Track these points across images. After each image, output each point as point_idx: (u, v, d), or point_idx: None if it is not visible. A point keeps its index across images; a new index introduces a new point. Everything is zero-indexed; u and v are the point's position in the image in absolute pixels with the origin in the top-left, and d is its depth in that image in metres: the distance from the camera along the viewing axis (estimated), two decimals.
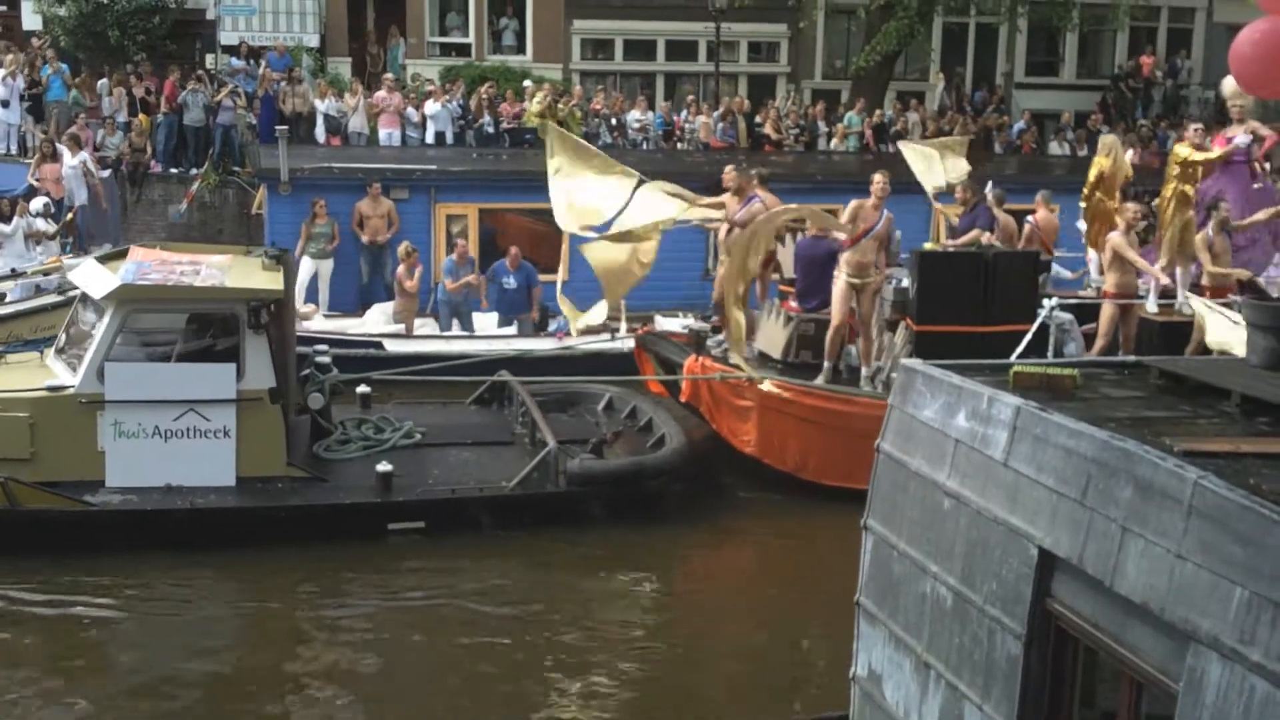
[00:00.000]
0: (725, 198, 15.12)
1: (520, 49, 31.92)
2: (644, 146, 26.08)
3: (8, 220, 18.73)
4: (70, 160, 20.98)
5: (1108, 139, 16.85)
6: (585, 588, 11.72)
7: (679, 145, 26.51)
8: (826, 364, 13.91)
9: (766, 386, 13.75)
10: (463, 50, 31.61)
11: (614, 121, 26.71)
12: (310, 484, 12.35)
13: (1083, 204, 15.76)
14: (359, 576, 11.62)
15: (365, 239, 19.23)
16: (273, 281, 12.55)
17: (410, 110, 25.26)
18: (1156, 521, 4.30)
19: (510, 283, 18.16)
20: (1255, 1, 7.02)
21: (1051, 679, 4.98)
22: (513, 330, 18.03)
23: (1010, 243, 15.37)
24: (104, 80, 25.44)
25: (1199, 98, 33.20)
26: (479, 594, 11.29)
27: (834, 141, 26.63)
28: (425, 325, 18.34)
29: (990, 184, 16.25)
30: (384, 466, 12.25)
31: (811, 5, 31.97)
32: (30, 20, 29.12)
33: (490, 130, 25.55)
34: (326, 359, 13.48)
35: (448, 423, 14.16)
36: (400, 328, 18.04)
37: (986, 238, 14.60)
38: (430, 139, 25.10)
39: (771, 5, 31.78)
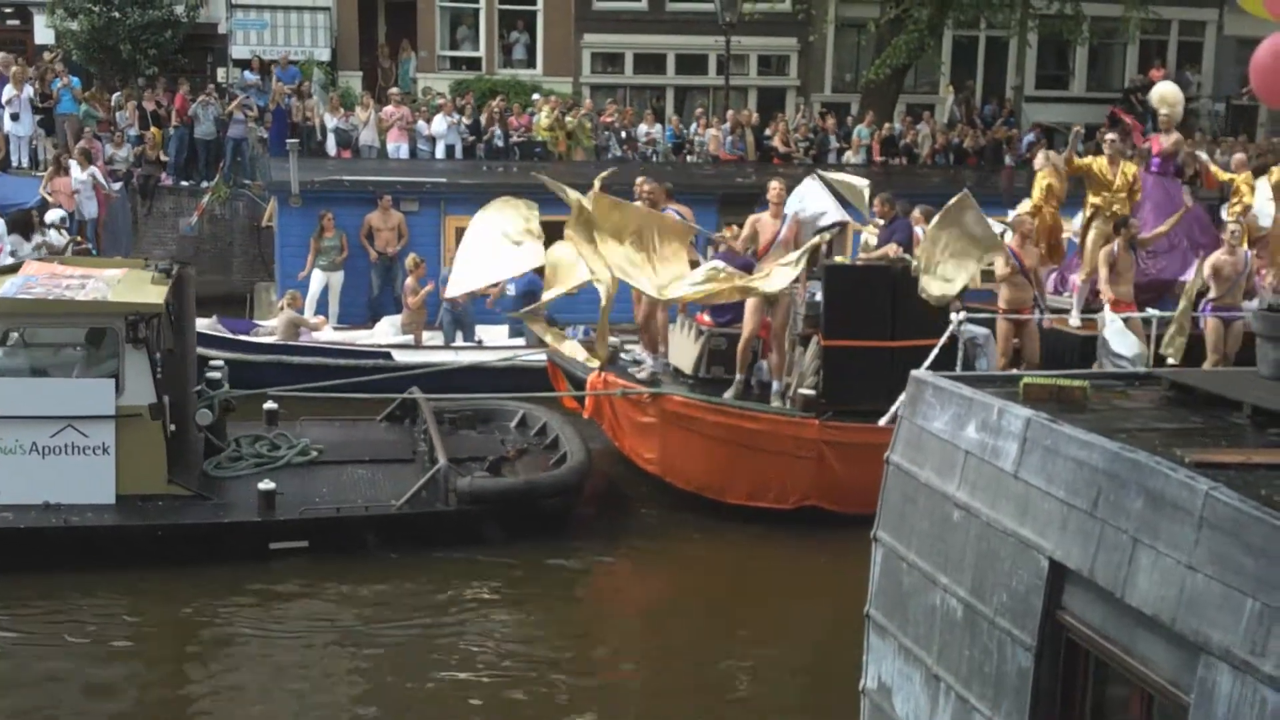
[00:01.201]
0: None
1: (531, 63, 31.98)
2: (653, 159, 26.11)
3: (27, 236, 18.75)
4: (79, 174, 21.03)
5: (1052, 155, 16.87)
6: (472, 608, 11.43)
7: (688, 158, 26.54)
8: (736, 379, 13.49)
9: (674, 393, 13.44)
10: (473, 64, 31.69)
11: (624, 134, 26.77)
12: (192, 502, 11.95)
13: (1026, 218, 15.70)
14: (239, 597, 11.22)
15: (375, 251, 19.26)
16: (155, 295, 12.11)
17: (421, 124, 25.33)
18: (1167, 533, 4.29)
19: (511, 290, 18.16)
20: (1267, 10, 7.00)
21: (1062, 691, 4.96)
22: (523, 341, 18.02)
23: None
24: (117, 94, 25.53)
25: (1209, 110, 33.18)
26: (360, 615, 10.98)
27: (847, 155, 26.62)
28: (435, 337, 18.35)
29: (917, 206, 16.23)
30: (266, 485, 11.88)
31: (821, 19, 32.00)
32: (42, 34, 29.21)
33: (500, 144, 25.60)
34: (218, 374, 13.20)
35: (349, 440, 13.85)
36: (409, 339, 18.06)
37: (894, 250, 14.16)
38: (440, 153, 25.16)
39: (781, 19, 31.83)
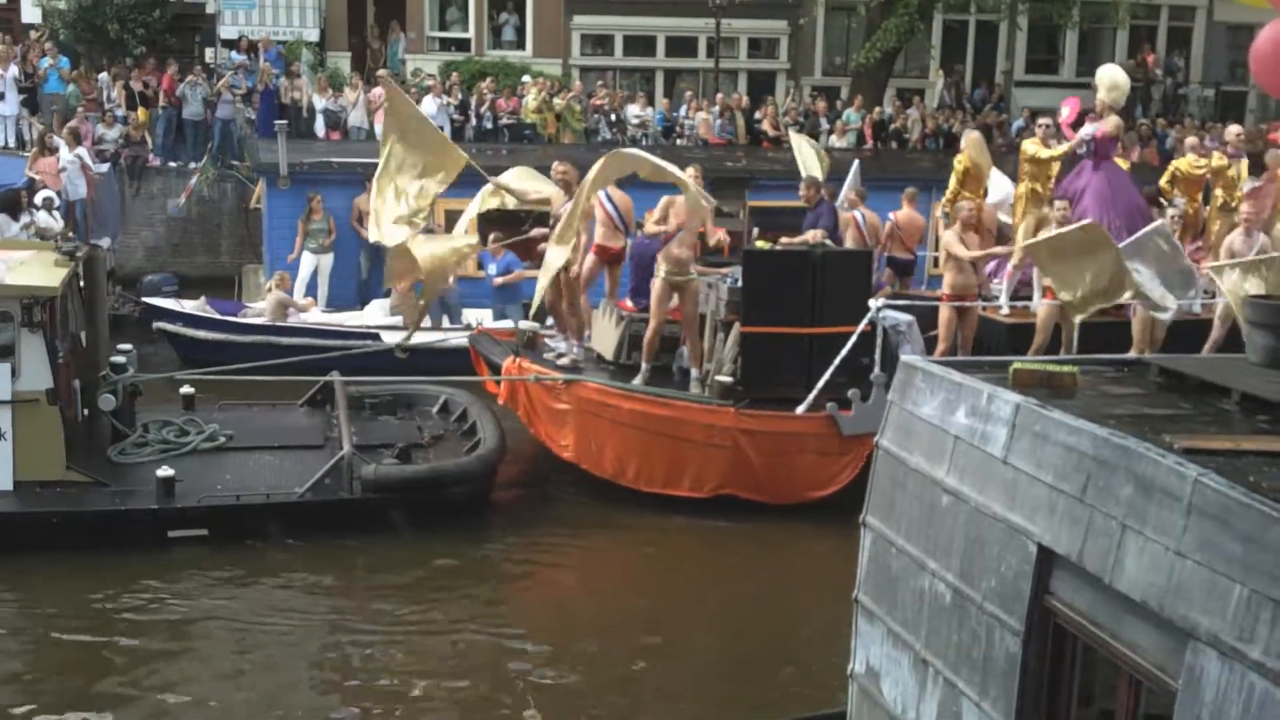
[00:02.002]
0: (553, 193, 14.24)
1: (520, 44, 31.94)
2: (643, 142, 26.06)
3: (15, 216, 18.67)
4: (67, 155, 20.96)
5: (972, 135, 16.85)
6: (374, 596, 11.17)
7: (678, 141, 26.50)
8: (644, 365, 13.30)
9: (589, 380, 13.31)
10: (462, 45, 31.64)
11: (613, 117, 26.73)
12: (91, 489, 11.73)
13: (946, 204, 15.69)
14: (134, 586, 10.95)
15: (365, 234, 19.21)
16: (53, 279, 11.83)
17: None
18: (1156, 519, 4.29)
19: (490, 270, 18.18)
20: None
21: (1050, 676, 4.97)
22: (508, 323, 17.96)
23: (866, 242, 15.18)
24: (104, 74, 25.42)
25: (1198, 96, 33.22)
26: (258, 604, 10.77)
27: (833, 138, 26.61)
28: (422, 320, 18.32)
29: (850, 182, 16.21)
30: (165, 471, 11.67)
31: (812, 2, 32.04)
32: (30, 13, 29.11)
33: (489, 126, 25.55)
34: (122, 359, 12.95)
35: (263, 425, 13.67)
36: (398, 320, 18.04)
37: (816, 235, 14.13)
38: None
39: (772, 2, 31.84)
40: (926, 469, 5.70)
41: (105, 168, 22.68)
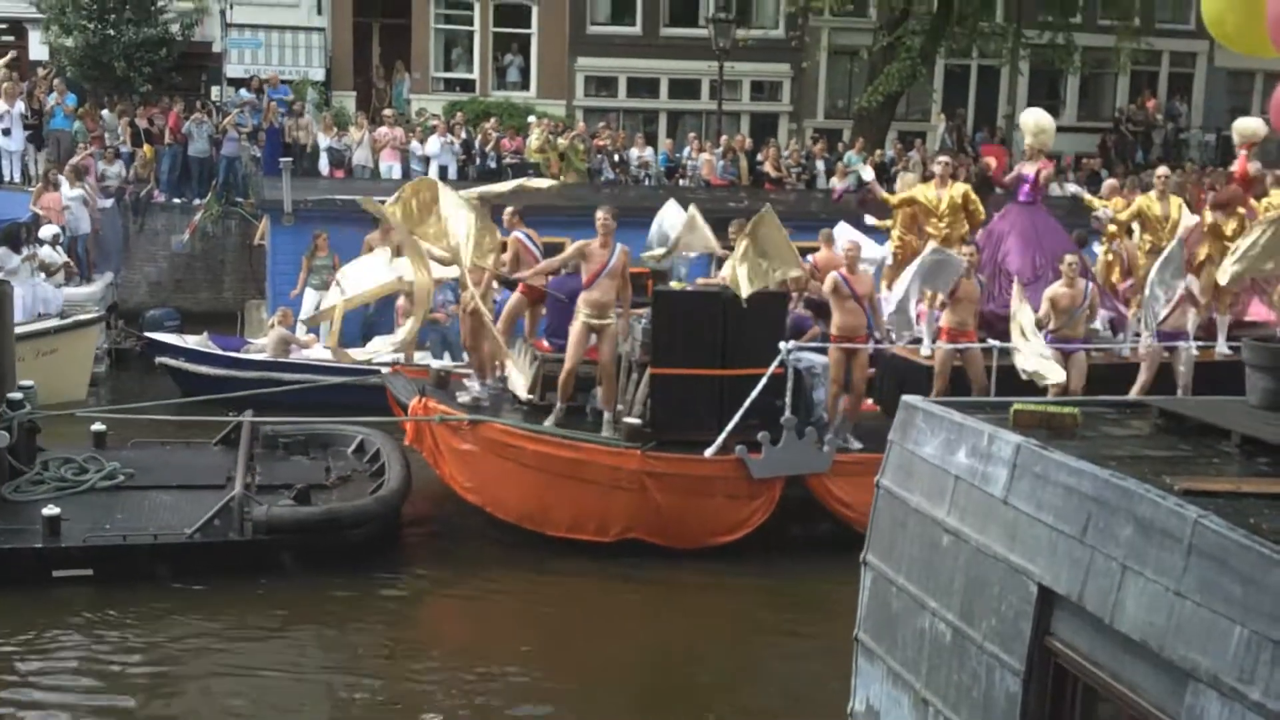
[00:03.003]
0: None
1: (524, 85, 32.07)
2: (646, 183, 26.17)
3: (16, 249, 18.73)
4: (69, 191, 21.06)
5: (909, 178, 16.82)
6: (254, 643, 10.71)
7: (681, 182, 26.60)
8: (558, 405, 12.95)
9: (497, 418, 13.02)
10: (467, 85, 31.78)
11: (616, 158, 26.84)
12: None
13: (894, 242, 15.62)
14: (18, 626, 10.59)
15: None
16: None
17: (414, 144, 25.39)
18: (1156, 560, 4.31)
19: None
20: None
21: (1050, 717, 4.97)
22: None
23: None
24: (106, 110, 25.56)
25: (1199, 141, 33.34)
26: (135, 647, 10.42)
27: (834, 180, 26.71)
28: (425, 356, 18.33)
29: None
30: (51, 510, 11.36)
31: (815, 46, 32.17)
32: (37, 50, 29.28)
33: (492, 165, 25.66)
34: (19, 395, 12.69)
35: (169, 464, 13.35)
36: (400, 358, 18.03)
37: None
38: (433, 173, 25.19)
39: (775, 46, 31.98)
40: (927, 509, 5.71)
41: (109, 203, 22.77)
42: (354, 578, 11.91)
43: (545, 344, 14.10)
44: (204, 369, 17.67)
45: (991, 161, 16.81)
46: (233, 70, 29.69)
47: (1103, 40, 30.71)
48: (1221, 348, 14.68)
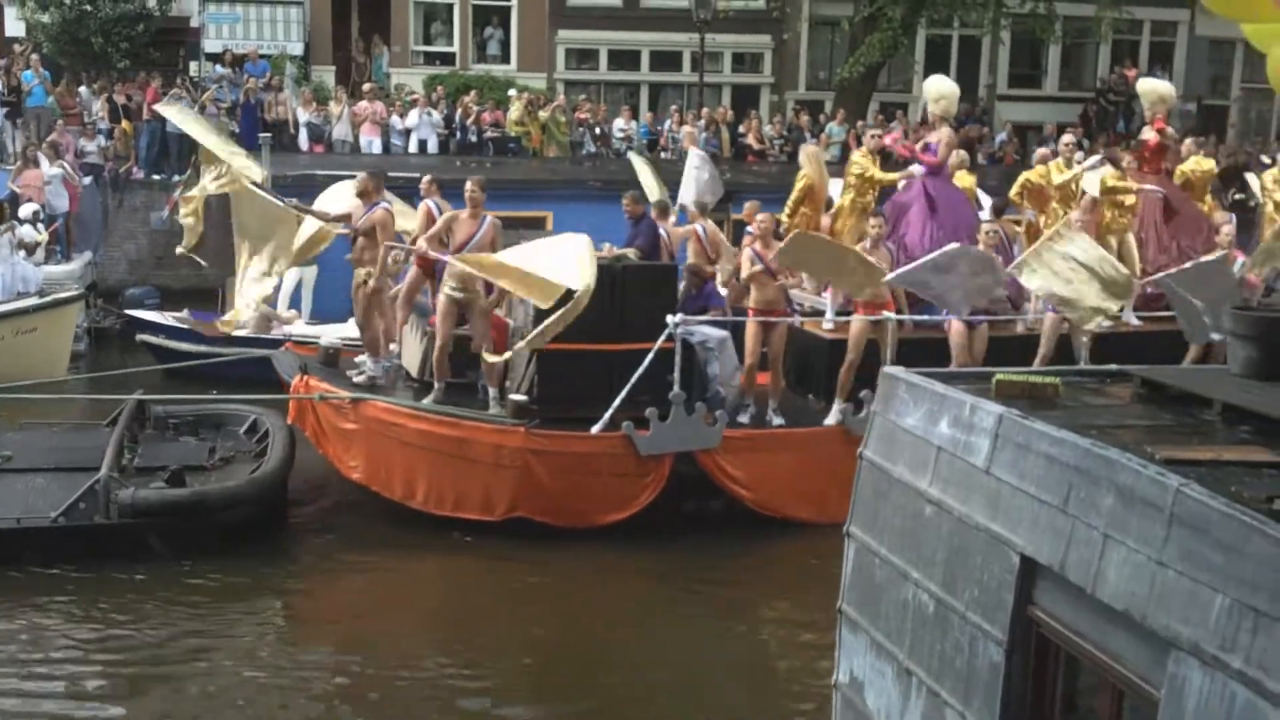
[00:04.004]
0: (352, 205, 13.75)
1: (505, 58, 31.95)
2: (628, 156, 26.09)
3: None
4: (49, 168, 20.92)
5: (810, 149, 16.72)
6: (118, 628, 10.37)
7: (663, 155, 26.54)
8: (436, 383, 12.69)
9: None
10: (447, 59, 31.64)
11: (598, 131, 26.76)
12: None
13: (786, 219, 15.28)
14: None
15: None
16: None
17: (394, 118, 25.28)
18: (1138, 529, 4.31)
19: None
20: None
21: (1033, 686, 4.98)
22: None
23: (709, 255, 14.48)
24: (83, 87, 25.39)
25: (1180, 110, 33.34)
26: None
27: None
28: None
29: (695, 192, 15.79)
30: None
31: (795, 17, 32.09)
32: (13, 27, 29.05)
33: (474, 139, 25.57)
34: None
35: (51, 446, 13.02)
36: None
37: (608, 250, 13.35)
38: (413, 147, 25.11)
39: (755, 17, 31.91)
40: (910, 480, 5.71)
41: (88, 181, 22.64)
42: (230, 561, 11.59)
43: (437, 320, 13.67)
44: (185, 346, 17.60)
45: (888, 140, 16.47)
46: (211, 45, 29.53)
47: (1083, 9, 30.65)
48: (1129, 318, 14.57)
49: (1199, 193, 16.63)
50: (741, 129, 27.35)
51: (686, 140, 16.34)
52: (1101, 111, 31.68)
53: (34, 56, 25.41)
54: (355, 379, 13.35)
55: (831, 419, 13.05)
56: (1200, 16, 33.00)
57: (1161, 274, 13.38)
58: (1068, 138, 16.62)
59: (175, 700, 9.33)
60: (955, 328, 13.12)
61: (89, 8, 27.18)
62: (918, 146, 15.59)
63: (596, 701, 9.59)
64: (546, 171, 19.76)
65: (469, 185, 12.81)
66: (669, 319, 12.18)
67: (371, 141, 24.79)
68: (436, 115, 25.66)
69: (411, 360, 13.74)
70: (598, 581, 11.69)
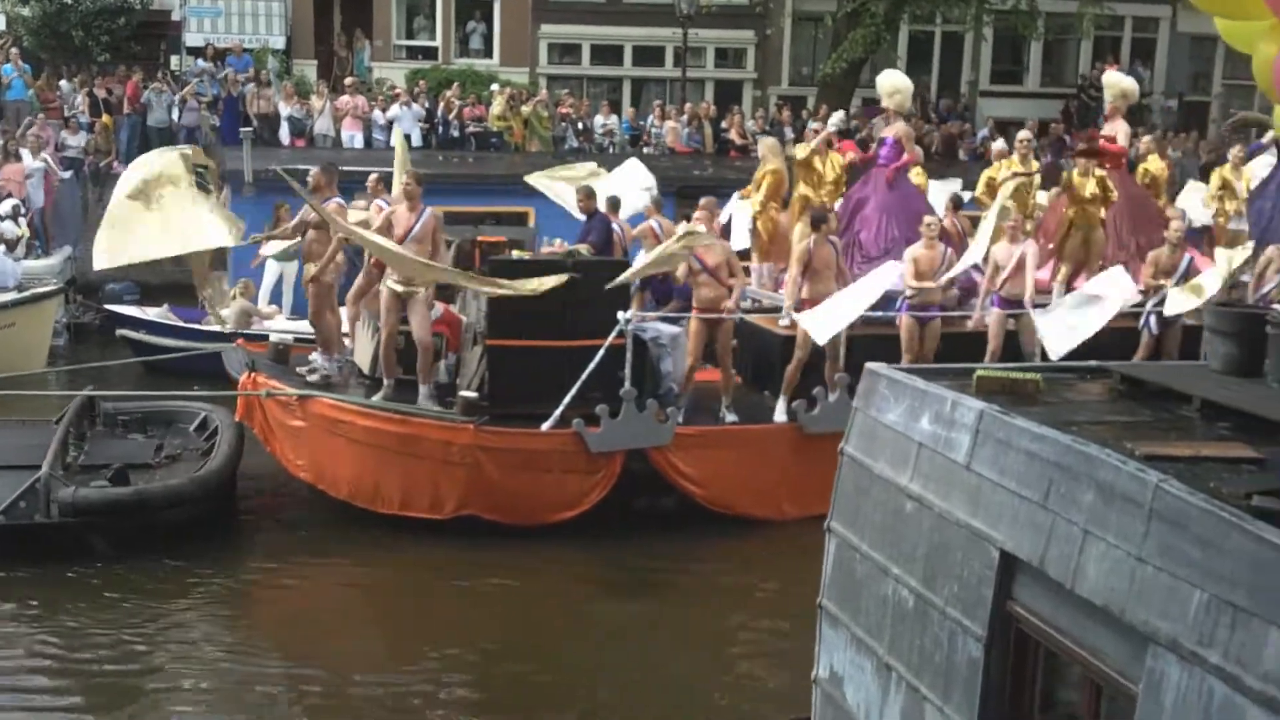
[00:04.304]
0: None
1: (487, 53, 31.91)
2: (610, 151, 26.11)
3: None
4: (31, 161, 20.82)
5: (769, 142, 16.66)
6: (59, 629, 10.25)
7: (645, 150, 26.53)
8: (385, 380, 12.56)
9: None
10: (430, 53, 31.59)
11: (580, 126, 26.74)
12: None
13: (755, 212, 15.32)
14: None
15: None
16: None
17: (376, 113, 25.23)
18: (1117, 525, 4.31)
19: None
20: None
21: (1012, 681, 4.98)
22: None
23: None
24: (64, 81, 25.28)
25: (1161, 106, 33.46)
26: None
27: (800, 147, 26.65)
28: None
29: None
30: None
31: (779, 12, 32.13)
32: None
33: (456, 133, 25.53)
34: None
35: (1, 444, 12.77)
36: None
37: (558, 246, 13.52)
38: (395, 142, 25.04)
39: (739, 12, 31.91)
40: (890, 475, 5.71)
41: (68, 175, 22.54)
42: (176, 560, 11.48)
43: None
44: (166, 341, 17.54)
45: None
46: (192, 39, 29.46)
47: (1065, 6, 30.75)
48: None
49: (1158, 190, 16.73)
50: (724, 124, 27.35)
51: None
52: (1083, 107, 31.75)
53: (13, 50, 25.30)
54: (307, 376, 13.21)
55: (779, 416, 12.96)
56: (1182, 13, 33.12)
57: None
58: (1024, 134, 16.58)
59: (118, 701, 9.22)
60: (905, 324, 13.10)
61: (69, 1, 27.06)
62: (875, 144, 15.52)
63: (552, 703, 9.49)
64: (529, 166, 19.67)
65: (404, 178, 12.77)
66: (620, 315, 12.11)
67: (353, 136, 24.74)
68: (417, 108, 25.60)
69: (364, 357, 13.60)
70: (550, 580, 11.58)
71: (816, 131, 15.49)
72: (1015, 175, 15.26)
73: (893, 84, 15.67)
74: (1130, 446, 4.75)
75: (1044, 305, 13.83)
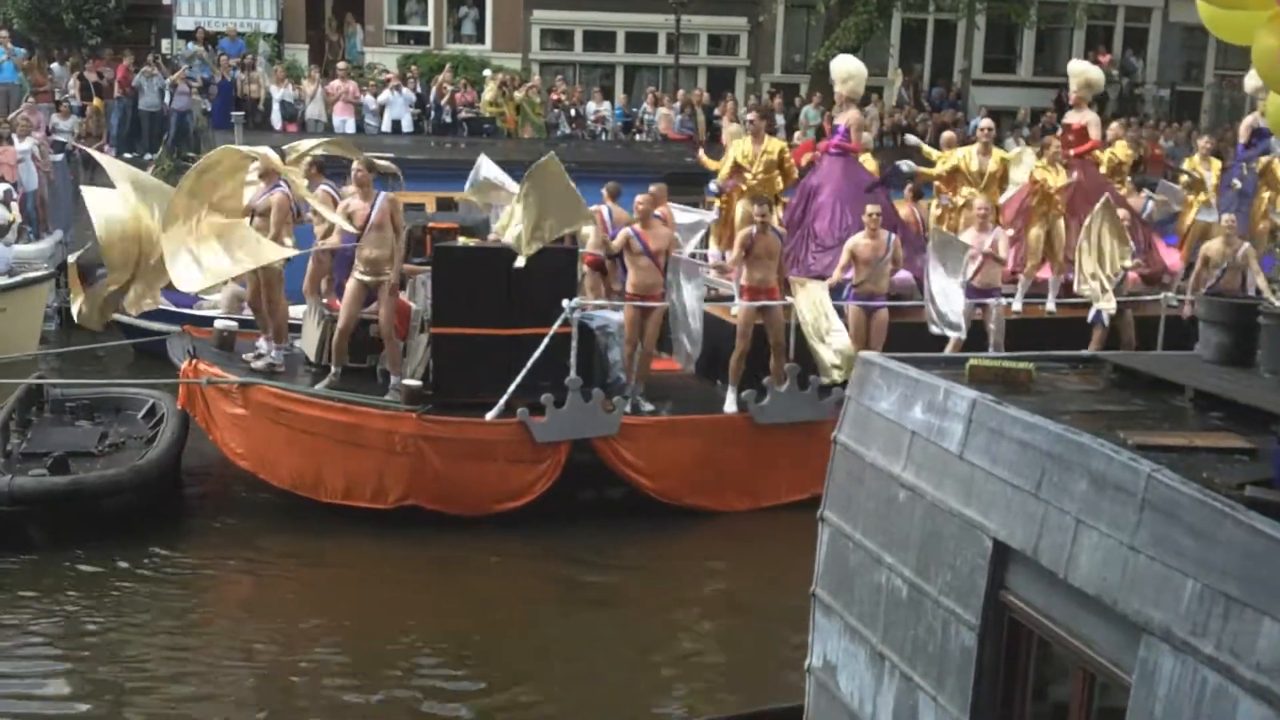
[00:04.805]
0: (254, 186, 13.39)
1: (480, 38, 31.85)
2: (603, 138, 26.09)
3: None
4: (22, 145, 20.75)
5: (732, 128, 16.53)
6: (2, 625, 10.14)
7: (638, 137, 26.51)
8: (334, 367, 12.49)
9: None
10: (422, 39, 31.53)
11: (573, 112, 26.71)
12: None
13: (715, 202, 15.21)
14: None
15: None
16: None
17: (368, 98, 25.17)
18: (1110, 514, 4.32)
19: None
20: None
21: (1005, 670, 5.00)
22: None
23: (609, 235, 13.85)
24: (55, 64, 25.19)
25: (1154, 96, 33.50)
26: None
27: (796, 135, 26.66)
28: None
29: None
30: None
31: (771, 0, 32.07)
32: None
33: (448, 119, 25.48)
34: None
35: None
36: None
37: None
38: (387, 127, 25.02)
39: None
40: (883, 464, 5.72)
41: (58, 159, 22.46)
42: (118, 550, 11.36)
43: (339, 303, 13.33)
44: (156, 325, 17.49)
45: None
46: (183, 22, 29.35)
47: None
48: (1050, 305, 14.60)
49: (1122, 178, 16.71)
50: (717, 111, 27.31)
51: None
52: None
53: (3, 33, 25.20)
54: (253, 364, 13.05)
55: (728, 406, 12.81)
56: (1174, 3, 33.15)
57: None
58: (985, 122, 16.51)
59: (60, 693, 9.11)
60: (851, 313, 12.94)
61: None
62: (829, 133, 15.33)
63: (493, 701, 9.36)
64: (521, 153, 19.67)
65: (354, 166, 12.68)
66: (565, 303, 11.97)
67: (345, 121, 24.68)
68: (408, 93, 25.55)
69: (310, 344, 13.47)
70: (495, 572, 11.45)
71: (750, 121, 15.16)
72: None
73: (845, 70, 15.46)
74: (1123, 436, 4.76)
75: (1010, 296, 13.87)
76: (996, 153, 15.45)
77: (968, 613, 5.04)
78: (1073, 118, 16.52)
